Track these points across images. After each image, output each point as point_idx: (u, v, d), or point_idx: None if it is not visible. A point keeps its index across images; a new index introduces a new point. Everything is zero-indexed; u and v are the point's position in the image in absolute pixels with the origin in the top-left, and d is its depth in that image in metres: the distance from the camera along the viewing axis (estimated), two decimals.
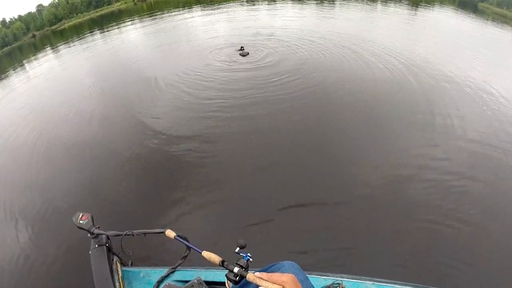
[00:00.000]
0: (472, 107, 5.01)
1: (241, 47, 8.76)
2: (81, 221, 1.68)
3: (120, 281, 1.62)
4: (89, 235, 1.68)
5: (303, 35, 9.52)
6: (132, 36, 14.51)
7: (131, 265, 1.94)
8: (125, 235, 1.60)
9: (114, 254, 1.77)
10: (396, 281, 1.48)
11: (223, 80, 6.74)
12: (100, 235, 1.70)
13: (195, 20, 15.51)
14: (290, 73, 6.55)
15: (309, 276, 1.20)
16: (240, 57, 8.20)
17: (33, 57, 15.50)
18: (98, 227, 1.67)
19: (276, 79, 6.37)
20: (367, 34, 9.38)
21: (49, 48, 17.51)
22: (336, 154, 4.07)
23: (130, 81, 7.71)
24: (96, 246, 1.68)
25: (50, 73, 11.02)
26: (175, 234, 1.42)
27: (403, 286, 1.45)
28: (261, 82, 6.31)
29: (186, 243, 1.39)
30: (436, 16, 13.30)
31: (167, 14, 18.44)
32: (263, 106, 5.35)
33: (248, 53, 8.37)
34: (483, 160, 3.82)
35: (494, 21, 13.37)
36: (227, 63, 7.81)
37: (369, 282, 1.47)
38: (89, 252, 1.68)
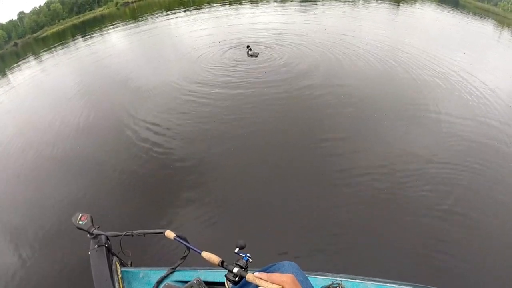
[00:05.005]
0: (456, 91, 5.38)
1: (248, 46, 7.88)
2: (80, 222, 1.67)
3: (120, 281, 1.62)
4: (88, 235, 1.67)
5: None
6: (116, 42, 14.29)
7: (131, 265, 1.94)
8: (124, 235, 1.60)
9: (113, 254, 1.77)
10: (395, 281, 1.50)
11: (217, 83, 6.70)
12: (99, 236, 1.69)
13: (180, 23, 15.44)
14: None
15: (308, 276, 1.22)
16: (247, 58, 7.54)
17: (15, 66, 15.12)
18: (98, 228, 1.67)
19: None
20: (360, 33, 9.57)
21: (31, 56, 17.11)
22: (335, 155, 4.10)
23: (121, 86, 7.62)
24: (96, 246, 1.67)
25: (33, 81, 10.73)
26: (174, 235, 1.43)
27: (402, 286, 1.47)
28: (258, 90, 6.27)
29: (186, 243, 1.40)
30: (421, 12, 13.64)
31: (151, 18, 18.23)
32: (259, 112, 5.34)
33: (258, 54, 7.55)
34: (480, 153, 3.93)
35: (476, 14, 13.75)
36: (222, 65, 7.64)
37: (368, 282, 1.49)
38: (89, 253, 1.67)
